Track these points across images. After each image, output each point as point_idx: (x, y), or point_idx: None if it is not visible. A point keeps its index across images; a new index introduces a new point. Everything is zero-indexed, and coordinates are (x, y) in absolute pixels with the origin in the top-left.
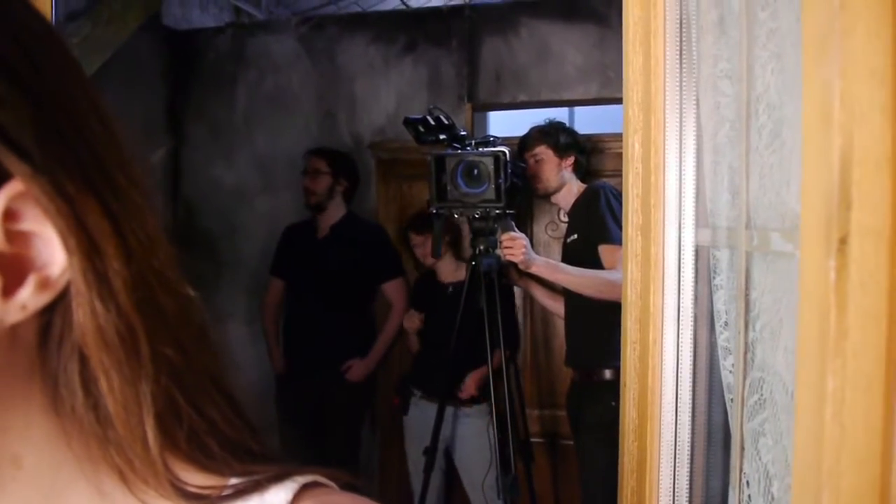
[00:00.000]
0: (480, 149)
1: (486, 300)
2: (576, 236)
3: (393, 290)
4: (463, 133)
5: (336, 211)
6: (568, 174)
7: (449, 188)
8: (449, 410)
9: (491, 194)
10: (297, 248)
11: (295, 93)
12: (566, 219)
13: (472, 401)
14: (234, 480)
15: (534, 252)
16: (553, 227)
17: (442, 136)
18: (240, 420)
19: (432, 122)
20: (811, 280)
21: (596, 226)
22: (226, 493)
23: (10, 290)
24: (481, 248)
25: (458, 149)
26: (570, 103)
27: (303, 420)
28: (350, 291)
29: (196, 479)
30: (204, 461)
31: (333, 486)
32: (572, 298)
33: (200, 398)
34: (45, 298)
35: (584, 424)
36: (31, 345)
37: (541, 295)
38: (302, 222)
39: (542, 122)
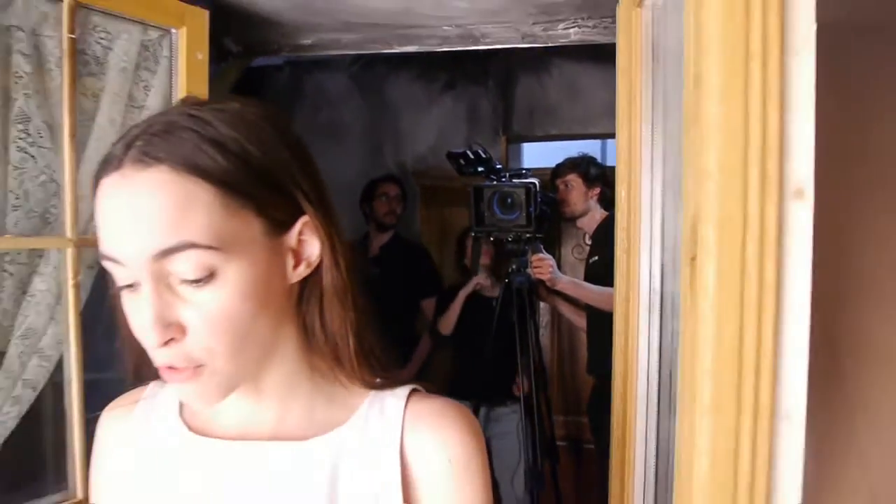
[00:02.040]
0: (514, 181)
1: (517, 313)
2: (597, 258)
3: (430, 307)
4: (499, 166)
5: (388, 232)
6: (593, 203)
7: (486, 215)
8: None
9: (523, 220)
10: None
11: (347, 125)
12: (590, 242)
13: (505, 401)
14: (379, 380)
15: (559, 271)
16: (579, 249)
17: (480, 169)
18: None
19: (472, 156)
20: (683, 283)
21: (614, 250)
22: (376, 386)
23: (295, 266)
24: (514, 267)
25: (494, 180)
26: (598, 136)
27: None
28: (397, 306)
29: (366, 376)
30: (368, 367)
31: (426, 393)
32: (593, 313)
33: (367, 332)
34: (307, 272)
35: (604, 428)
36: (295, 296)
37: (566, 310)
38: (354, 242)
39: (577, 154)
